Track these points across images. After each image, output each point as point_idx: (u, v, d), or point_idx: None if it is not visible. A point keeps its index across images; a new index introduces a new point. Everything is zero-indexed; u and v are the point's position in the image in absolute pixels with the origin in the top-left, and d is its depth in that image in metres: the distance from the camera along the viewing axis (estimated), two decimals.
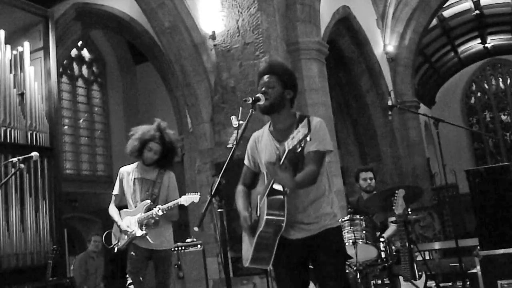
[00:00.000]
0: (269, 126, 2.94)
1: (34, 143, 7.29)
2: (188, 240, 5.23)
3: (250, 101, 2.71)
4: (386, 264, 4.21)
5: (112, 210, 4.55)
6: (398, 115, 11.70)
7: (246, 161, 3.03)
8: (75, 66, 13.44)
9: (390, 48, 12.04)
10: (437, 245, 7.88)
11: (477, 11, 15.03)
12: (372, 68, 11.43)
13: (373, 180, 5.14)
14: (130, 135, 4.58)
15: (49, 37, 8.01)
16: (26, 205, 6.99)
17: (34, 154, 4.12)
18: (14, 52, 7.54)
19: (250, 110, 2.68)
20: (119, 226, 4.45)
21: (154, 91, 13.35)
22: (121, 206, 4.58)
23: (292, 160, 2.63)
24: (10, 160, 4.39)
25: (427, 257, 8.19)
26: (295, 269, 2.83)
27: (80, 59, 13.59)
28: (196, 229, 2.27)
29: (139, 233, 4.31)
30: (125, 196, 4.52)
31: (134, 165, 4.59)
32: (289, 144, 2.40)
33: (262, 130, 3.00)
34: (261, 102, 2.76)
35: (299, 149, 2.43)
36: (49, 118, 7.67)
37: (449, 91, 19.84)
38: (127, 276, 4.45)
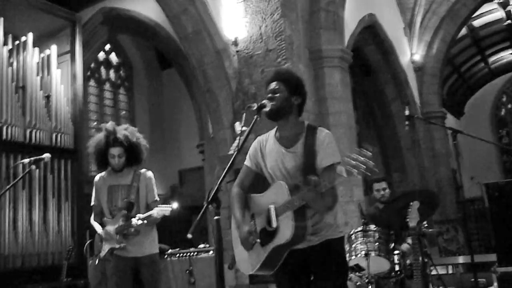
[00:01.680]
0: (275, 133, 2.91)
1: (58, 145, 7.40)
2: (201, 245, 5.18)
3: (255, 108, 2.70)
4: (399, 277, 4.13)
5: (93, 220, 4.38)
6: (423, 126, 11.52)
7: (247, 163, 2.96)
8: (102, 70, 13.64)
9: (417, 57, 11.87)
10: (459, 259, 7.70)
11: (509, 21, 14.74)
12: (397, 77, 11.29)
13: (387, 190, 5.03)
14: (88, 152, 4.40)
15: (76, 41, 8.12)
16: (49, 206, 7.09)
17: (46, 155, 4.06)
18: (42, 55, 7.67)
19: (255, 117, 2.66)
20: (99, 235, 4.27)
21: (179, 96, 13.46)
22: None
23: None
24: (21, 161, 4.38)
25: (450, 271, 8.01)
26: (297, 277, 2.79)
27: (107, 63, 13.78)
28: (189, 236, 2.25)
29: (116, 245, 4.12)
30: (102, 207, 4.33)
31: (107, 172, 4.37)
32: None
33: (267, 134, 2.95)
34: (267, 108, 2.74)
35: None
36: (73, 121, 7.77)
37: (479, 102, 19.48)
38: None
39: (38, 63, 7.55)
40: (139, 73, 14.36)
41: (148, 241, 4.27)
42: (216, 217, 2.27)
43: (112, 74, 13.90)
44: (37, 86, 7.35)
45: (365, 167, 2.34)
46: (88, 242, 4.60)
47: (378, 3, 10.54)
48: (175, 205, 4.17)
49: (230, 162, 2.43)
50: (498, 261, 3.67)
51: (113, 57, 13.97)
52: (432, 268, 4.36)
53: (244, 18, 7.31)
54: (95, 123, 13.22)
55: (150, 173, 4.41)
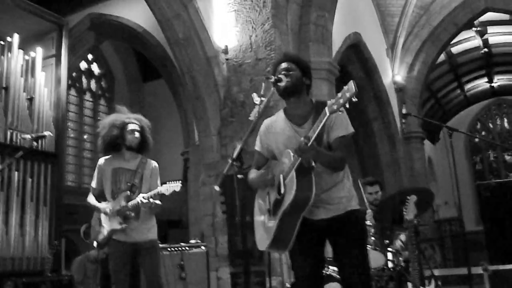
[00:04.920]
0: (284, 113, 2.96)
1: (40, 148, 7.25)
2: (192, 241, 5.13)
3: (272, 80, 2.75)
4: (393, 273, 4.13)
5: (91, 199, 4.29)
6: (403, 145, 11.69)
7: (258, 147, 3.01)
8: (83, 79, 13.55)
9: (399, 78, 12.12)
10: (437, 272, 7.79)
11: (486, 49, 15.17)
12: (379, 96, 11.49)
13: (379, 193, 5.03)
14: (99, 130, 4.34)
15: (62, 45, 8.06)
16: (26, 210, 6.91)
17: (47, 133, 4.05)
18: (27, 57, 7.58)
19: (272, 88, 2.73)
20: (97, 210, 4.21)
21: (161, 109, 13.39)
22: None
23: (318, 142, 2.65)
24: (24, 137, 4.32)
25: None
26: (312, 248, 2.80)
27: (89, 73, 13.70)
28: (217, 188, 2.25)
29: (117, 226, 4.06)
30: (104, 188, 4.26)
31: (112, 155, 4.31)
32: (332, 107, 2.40)
33: (275, 116, 3.02)
34: (283, 83, 2.80)
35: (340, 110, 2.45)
36: (56, 125, 7.65)
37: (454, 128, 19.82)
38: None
39: (22, 65, 7.46)
40: (120, 84, 14.29)
41: (148, 227, 4.21)
42: (239, 176, 2.28)
43: (93, 84, 13.80)
44: (20, 87, 7.24)
45: (347, 99, 2.41)
46: (85, 226, 4.47)
47: (363, 22, 10.79)
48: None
49: (251, 126, 2.46)
50: (489, 259, 3.72)
51: (95, 67, 13.90)
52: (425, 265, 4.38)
53: (235, 27, 7.40)
54: (73, 133, 13.06)
55: (155, 163, 4.40)
